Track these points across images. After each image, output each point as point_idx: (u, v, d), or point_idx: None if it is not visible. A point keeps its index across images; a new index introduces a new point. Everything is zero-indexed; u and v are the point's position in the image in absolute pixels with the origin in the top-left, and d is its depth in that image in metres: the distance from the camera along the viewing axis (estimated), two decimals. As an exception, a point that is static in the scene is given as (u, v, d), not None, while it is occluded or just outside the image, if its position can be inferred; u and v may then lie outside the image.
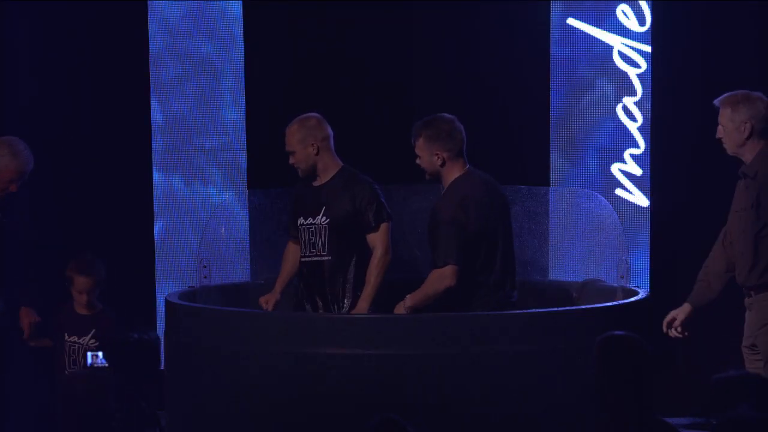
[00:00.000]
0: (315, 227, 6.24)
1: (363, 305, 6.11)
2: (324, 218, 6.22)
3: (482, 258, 6.03)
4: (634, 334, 4.46)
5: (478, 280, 6.01)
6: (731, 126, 5.93)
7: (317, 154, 6.23)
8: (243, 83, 7.94)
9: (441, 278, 5.90)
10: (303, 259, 6.28)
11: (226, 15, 7.92)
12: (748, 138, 5.91)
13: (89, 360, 5.00)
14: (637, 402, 4.32)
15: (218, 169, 7.95)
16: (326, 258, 6.21)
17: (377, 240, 6.20)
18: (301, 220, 6.29)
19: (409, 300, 5.97)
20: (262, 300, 6.30)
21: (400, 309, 5.96)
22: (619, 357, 4.36)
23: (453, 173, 6.08)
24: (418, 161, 6.16)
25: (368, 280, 6.16)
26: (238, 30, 7.94)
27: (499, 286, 6.06)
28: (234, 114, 7.97)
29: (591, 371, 4.46)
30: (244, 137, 7.96)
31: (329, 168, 6.28)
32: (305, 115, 6.31)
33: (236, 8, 7.93)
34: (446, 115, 6.18)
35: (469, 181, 6.08)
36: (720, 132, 6.00)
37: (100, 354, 5.01)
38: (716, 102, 6.02)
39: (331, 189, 6.25)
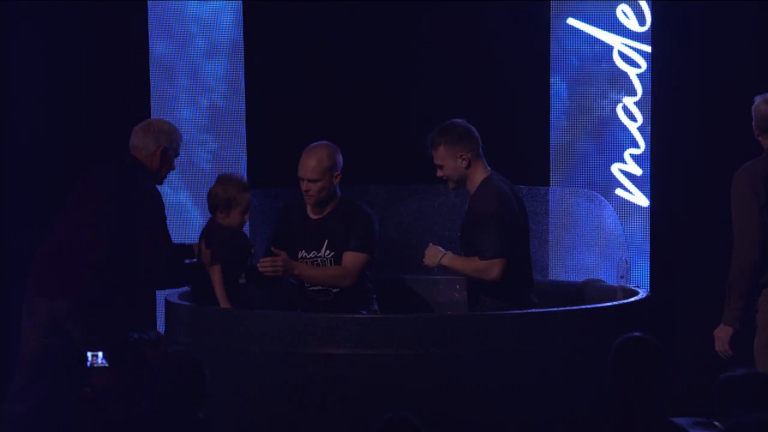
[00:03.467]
0: (320, 260, 6.22)
1: (301, 267, 6.14)
2: (329, 252, 6.20)
3: (520, 256, 6.04)
4: (650, 336, 4.47)
5: (519, 281, 6.03)
6: (754, 124, 6.03)
7: (334, 184, 6.20)
8: (243, 83, 7.94)
9: (488, 270, 5.89)
10: (308, 289, 6.25)
11: (226, 14, 7.92)
12: (758, 137, 5.98)
13: (89, 360, 4.96)
14: (650, 403, 4.32)
15: (218, 169, 7.94)
16: (334, 290, 6.21)
17: (349, 260, 6.17)
18: (302, 254, 6.25)
19: (448, 260, 5.99)
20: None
21: (436, 254, 6.00)
22: (636, 358, 4.37)
23: (479, 174, 6.07)
24: (440, 172, 6.09)
25: (321, 270, 6.17)
26: (238, 30, 7.94)
27: (530, 288, 6.09)
28: (234, 114, 7.96)
29: (603, 372, 4.46)
30: (244, 137, 7.96)
31: (334, 199, 6.25)
32: (325, 143, 6.22)
33: (236, 8, 7.92)
34: (457, 119, 6.17)
35: (499, 181, 6.10)
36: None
37: (100, 354, 4.97)
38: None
39: (332, 222, 6.21)
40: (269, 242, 6.40)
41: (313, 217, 6.26)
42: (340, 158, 6.19)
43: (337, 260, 6.20)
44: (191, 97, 7.94)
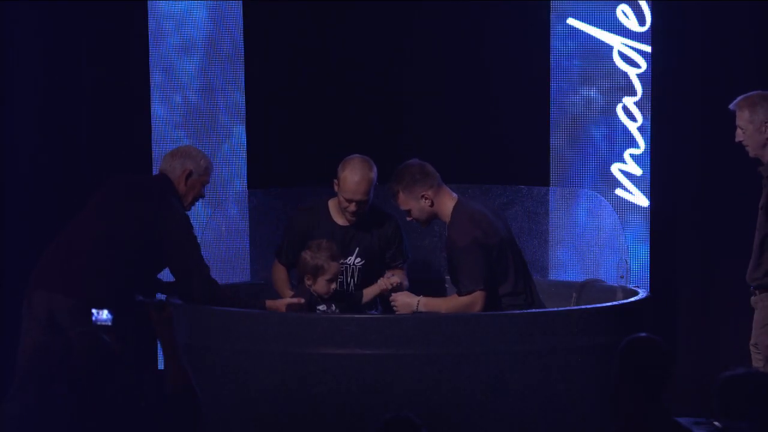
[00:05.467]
0: (346, 267, 6.24)
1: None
2: (358, 259, 6.23)
3: (506, 268, 6.03)
4: (657, 337, 4.47)
5: (504, 292, 6.02)
6: (751, 128, 5.94)
7: None
8: (243, 83, 7.94)
9: (470, 306, 5.86)
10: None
11: (225, 14, 7.91)
12: None
13: (94, 316, 4.90)
14: (656, 404, 4.33)
15: (218, 169, 7.94)
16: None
17: (401, 275, 6.28)
18: None
19: (424, 305, 5.97)
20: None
21: (410, 302, 5.97)
22: (643, 359, 4.37)
23: (447, 204, 6.07)
24: (409, 218, 6.13)
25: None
26: (238, 30, 7.93)
27: (521, 291, 6.07)
28: (234, 113, 7.96)
29: (604, 372, 4.46)
30: (244, 137, 7.95)
31: None
32: (362, 158, 6.18)
33: (236, 8, 7.92)
34: (410, 160, 6.18)
35: (468, 204, 6.10)
36: (739, 135, 5.99)
37: (105, 311, 4.91)
38: (732, 106, 6.03)
39: (362, 229, 6.23)
40: (287, 245, 6.32)
41: (342, 223, 6.25)
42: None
43: (366, 267, 6.23)
44: (190, 96, 7.94)
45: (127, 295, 5.83)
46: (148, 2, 7.86)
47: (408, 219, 6.15)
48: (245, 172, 7.95)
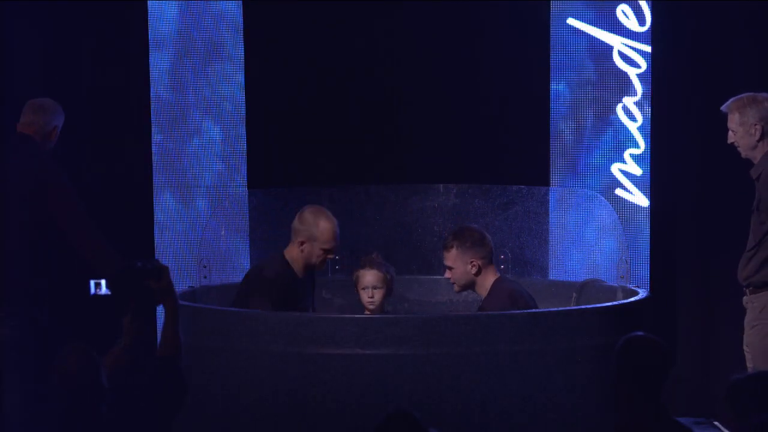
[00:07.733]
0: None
1: None
2: (310, 299, 6.29)
3: None
4: (655, 336, 4.47)
5: None
6: (741, 130, 5.97)
7: None
8: (243, 83, 7.94)
9: None
10: None
11: (225, 15, 7.92)
12: (759, 140, 5.95)
13: (92, 289, 4.86)
14: (655, 403, 4.32)
15: (218, 168, 7.95)
16: None
17: None
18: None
19: None
20: None
21: None
22: (640, 358, 4.37)
23: (489, 278, 6.11)
24: (447, 274, 6.15)
25: None
26: (238, 31, 7.93)
27: None
28: (234, 114, 7.96)
29: (603, 372, 4.46)
30: (244, 137, 7.96)
31: None
32: (318, 206, 6.17)
33: (236, 8, 7.92)
34: (473, 225, 6.24)
35: (510, 282, 6.15)
36: (731, 137, 6.02)
37: (103, 283, 4.87)
38: (723, 108, 6.05)
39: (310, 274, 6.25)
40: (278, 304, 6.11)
41: (302, 275, 6.19)
42: None
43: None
44: (191, 98, 7.94)
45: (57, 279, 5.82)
46: (148, 2, 7.86)
47: (446, 276, 6.19)
48: (245, 172, 7.95)
